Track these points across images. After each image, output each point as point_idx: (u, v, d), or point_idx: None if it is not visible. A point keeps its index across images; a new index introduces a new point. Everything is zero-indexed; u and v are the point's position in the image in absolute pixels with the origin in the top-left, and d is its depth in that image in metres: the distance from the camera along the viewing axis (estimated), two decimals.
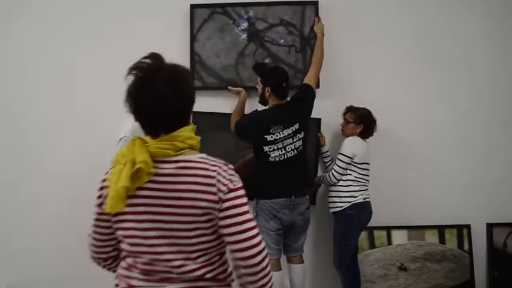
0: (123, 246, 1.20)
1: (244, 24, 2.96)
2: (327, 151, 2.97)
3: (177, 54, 2.90)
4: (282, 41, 2.96)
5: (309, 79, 2.73)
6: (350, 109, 2.82)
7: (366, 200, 2.74)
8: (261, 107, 2.75)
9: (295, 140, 2.57)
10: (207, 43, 2.96)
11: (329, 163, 2.95)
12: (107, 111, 2.90)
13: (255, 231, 1.14)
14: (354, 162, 2.71)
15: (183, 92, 1.16)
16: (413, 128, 3.03)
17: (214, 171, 1.13)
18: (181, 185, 1.11)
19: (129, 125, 2.34)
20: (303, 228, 2.68)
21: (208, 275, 1.15)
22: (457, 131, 3.03)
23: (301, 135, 2.60)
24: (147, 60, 1.14)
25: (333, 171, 2.73)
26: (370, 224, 2.81)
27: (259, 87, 2.68)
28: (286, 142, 2.55)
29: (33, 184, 3.01)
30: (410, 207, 2.99)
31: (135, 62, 1.14)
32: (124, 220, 1.16)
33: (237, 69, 2.97)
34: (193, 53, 2.94)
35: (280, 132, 2.55)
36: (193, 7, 2.95)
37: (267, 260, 1.15)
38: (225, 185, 1.12)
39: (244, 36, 2.96)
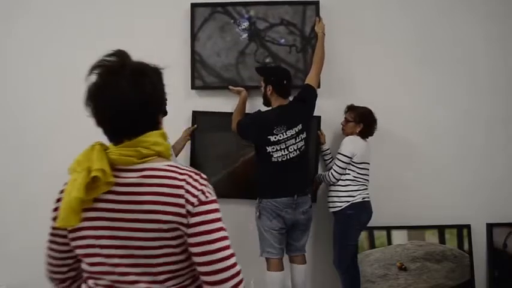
0: (83, 266, 1.06)
1: (245, 24, 2.96)
2: (327, 149, 2.97)
3: (178, 53, 2.96)
4: (282, 41, 2.96)
5: (310, 79, 2.74)
6: (350, 108, 2.81)
7: (365, 199, 2.74)
8: (263, 107, 2.75)
9: (297, 140, 2.58)
10: (207, 42, 2.96)
11: (329, 161, 2.95)
12: None
13: (230, 251, 0.99)
14: (353, 162, 2.71)
15: (148, 93, 1.03)
16: (413, 128, 3.03)
17: (183, 180, 0.99)
18: (145, 196, 0.98)
19: None
20: (306, 227, 2.69)
21: None
22: (457, 131, 3.03)
23: (304, 135, 2.61)
24: (110, 58, 1.03)
25: (332, 170, 2.73)
26: (370, 224, 2.81)
27: (262, 87, 2.69)
28: (289, 143, 2.56)
29: (33, 184, 3.01)
30: (410, 207, 2.99)
31: (96, 60, 1.04)
32: (82, 237, 1.02)
33: (238, 68, 2.96)
34: (193, 52, 2.94)
35: (284, 133, 2.55)
36: (193, 6, 2.95)
37: (242, 286, 0.99)
38: (194, 196, 0.98)
39: (244, 35, 2.96)
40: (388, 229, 2.95)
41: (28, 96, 3.03)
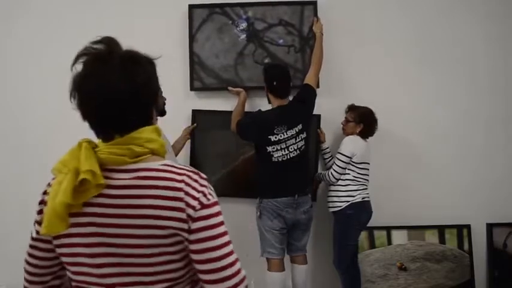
0: (69, 275, 0.97)
1: (243, 25, 2.96)
2: (327, 148, 2.97)
3: (176, 55, 2.96)
4: (281, 41, 2.96)
5: (309, 79, 2.74)
6: (351, 108, 2.81)
7: (365, 199, 2.74)
8: (263, 107, 2.75)
9: (298, 140, 2.59)
10: (206, 43, 2.96)
11: (329, 159, 2.95)
12: None
13: (234, 256, 0.92)
14: (353, 162, 2.71)
15: (140, 82, 0.93)
16: (413, 128, 3.03)
17: (181, 181, 0.90)
18: (140, 199, 0.88)
19: None
20: (306, 227, 2.69)
21: None
22: (457, 131, 3.03)
23: (304, 135, 2.62)
24: (97, 46, 0.93)
25: (332, 170, 2.73)
26: (370, 224, 2.81)
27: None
28: (289, 142, 2.57)
29: (33, 184, 2.99)
30: (410, 207, 2.99)
31: (82, 48, 0.94)
32: (68, 244, 0.93)
33: (237, 69, 2.96)
34: (192, 53, 2.94)
35: (284, 133, 2.56)
36: (191, 7, 2.94)
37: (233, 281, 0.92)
38: (195, 198, 0.89)
39: (243, 36, 2.96)
40: (388, 229, 2.95)
41: (28, 96, 3.04)
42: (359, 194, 2.71)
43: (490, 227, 3.01)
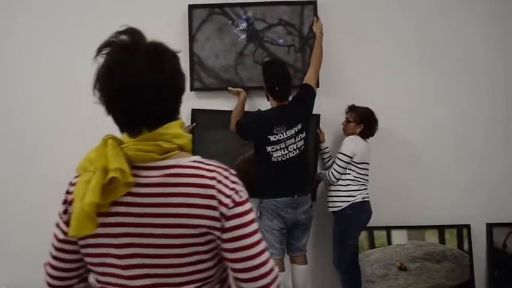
0: (95, 276, 0.94)
1: (243, 25, 2.96)
2: (327, 147, 2.97)
3: None
4: (281, 41, 2.96)
5: (308, 79, 2.74)
6: (351, 108, 2.81)
7: (365, 199, 2.74)
8: (263, 107, 2.75)
9: (297, 140, 2.59)
10: (206, 44, 2.96)
11: (328, 159, 2.95)
12: None
13: (266, 255, 0.90)
14: (354, 162, 2.71)
15: (169, 76, 0.91)
16: (413, 128, 3.03)
17: (213, 178, 0.88)
18: (171, 197, 0.86)
19: None
20: (306, 227, 2.69)
21: None
22: (457, 131, 3.03)
23: (303, 135, 2.62)
24: (121, 37, 0.89)
25: (332, 170, 2.73)
26: (370, 224, 2.81)
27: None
28: (288, 142, 2.57)
29: (33, 184, 3.01)
30: (410, 207, 2.99)
31: (106, 39, 0.90)
32: (95, 244, 0.90)
33: (237, 69, 2.96)
34: (192, 53, 2.94)
35: (284, 133, 2.56)
36: (191, 7, 2.94)
37: (269, 277, 0.91)
38: (228, 196, 0.87)
39: (243, 36, 2.96)
40: (388, 229, 2.95)
41: (28, 96, 3.03)
42: (359, 194, 2.71)
43: (490, 227, 3.01)
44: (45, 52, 3.03)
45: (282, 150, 2.57)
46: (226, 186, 0.88)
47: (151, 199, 0.87)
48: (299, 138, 2.60)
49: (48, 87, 3.03)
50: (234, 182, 0.90)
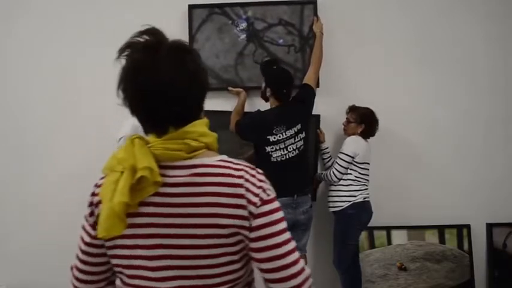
0: (124, 278, 0.92)
1: (243, 25, 2.96)
2: (327, 147, 2.97)
3: None
4: (281, 41, 2.96)
5: (308, 79, 2.74)
6: (352, 109, 2.81)
7: (366, 199, 2.74)
8: (262, 107, 2.75)
9: (296, 140, 2.58)
10: (206, 44, 2.96)
11: (328, 159, 2.95)
12: (107, 111, 2.90)
13: (296, 254, 0.88)
14: (355, 162, 2.71)
15: (193, 73, 0.90)
16: (413, 128, 3.03)
17: (241, 177, 0.88)
18: (200, 197, 0.85)
19: (128, 125, 2.33)
20: (306, 227, 2.68)
21: None
22: (457, 131, 3.03)
23: (303, 135, 2.62)
24: (144, 37, 0.89)
25: (334, 170, 2.73)
26: (370, 224, 2.81)
27: (263, 86, 2.69)
28: (288, 142, 2.57)
29: (33, 184, 3.01)
30: (410, 207, 2.99)
31: (127, 40, 0.90)
32: (122, 246, 0.89)
33: (237, 69, 2.96)
34: None
35: (283, 133, 2.56)
36: (191, 7, 2.94)
37: (300, 277, 0.88)
38: (256, 195, 0.87)
39: (243, 36, 2.96)
40: (388, 229, 2.94)
41: (28, 96, 3.04)
42: (360, 194, 2.71)
43: (490, 227, 3.01)
44: (45, 52, 3.03)
45: (282, 150, 2.57)
46: (253, 184, 0.88)
47: (179, 199, 0.86)
48: (298, 139, 2.59)
49: (48, 87, 3.03)
50: (261, 181, 0.90)
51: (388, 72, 3.01)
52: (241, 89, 2.87)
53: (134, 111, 0.89)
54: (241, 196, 0.85)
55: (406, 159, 3.03)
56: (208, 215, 0.84)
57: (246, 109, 2.85)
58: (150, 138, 0.90)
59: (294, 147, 2.58)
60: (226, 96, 2.94)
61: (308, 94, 2.69)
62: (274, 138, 2.56)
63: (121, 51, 0.89)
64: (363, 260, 2.88)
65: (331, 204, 2.78)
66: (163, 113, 0.87)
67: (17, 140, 3.04)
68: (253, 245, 0.86)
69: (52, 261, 2.97)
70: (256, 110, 2.78)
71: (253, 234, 0.85)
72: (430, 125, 3.03)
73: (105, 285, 0.97)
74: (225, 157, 0.93)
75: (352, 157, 2.70)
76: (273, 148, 2.56)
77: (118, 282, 0.96)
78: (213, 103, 2.96)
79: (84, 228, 0.95)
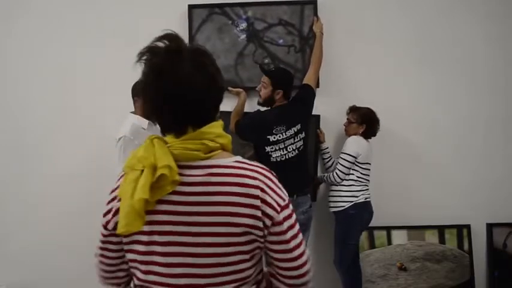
0: (135, 273, 0.96)
1: (243, 25, 2.96)
2: (327, 148, 2.97)
3: None
4: (281, 41, 2.96)
5: (308, 79, 2.74)
6: (352, 109, 2.81)
7: (367, 199, 2.74)
8: (262, 107, 2.75)
9: (296, 140, 2.58)
10: (206, 44, 2.94)
11: (328, 160, 2.95)
12: (107, 111, 2.91)
13: (306, 255, 0.97)
14: (357, 162, 2.71)
15: (212, 76, 0.94)
16: (413, 128, 3.03)
17: (256, 179, 0.92)
18: (215, 196, 0.89)
19: (128, 124, 2.33)
20: (306, 227, 2.68)
21: None
22: (457, 131, 3.03)
23: (303, 135, 2.62)
24: (164, 41, 0.92)
25: (337, 171, 2.73)
26: (370, 224, 2.81)
27: (266, 89, 2.64)
28: (287, 142, 2.57)
29: (33, 184, 3.01)
30: (410, 207, 2.99)
31: (147, 45, 0.93)
32: (139, 241, 0.93)
33: (237, 69, 2.96)
34: None
35: (284, 133, 2.56)
36: (191, 7, 2.94)
37: (311, 273, 0.98)
38: (272, 198, 0.92)
39: (243, 36, 2.96)
40: (388, 229, 2.94)
41: (28, 96, 3.04)
42: (362, 195, 2.71)
43: (490, 227, 3.01)
44: (45, 52, 3.03)
45: (281, 150, 2.57)
46: (270, 188, 0.93)
47: (195, 198, 0.89)
48: (298, 139, 2.59)
49: (48, 87, 3.03)
50: (276, 185, 0.95)
51: (388, 72, 3.01)
52: (241, 89, 2.87)
53: (155, 113, 0.94)
54: (255, 197, 0.89)
55: (406, 159, 3.03)
56: (223, 214, 0.88)
57: (246, 109, 2.85)
58: (168, 138, 0.94)
59: (294, 148, 2.58)
60: (226, 97, 2.90)
61: (308, 94, 2.69)
62: (274, 138, 2.56)
63: (141, 55, 0.92)
64: (363, 260, 2.88)
65: (332, 204, 2.78)
66: (184, 114, 0.91)
67: (17, 140, 3.04)
68: (270, 246, 0.93)
69: (52, 261, 2.98)
70: (256, 110, 2.78)
71: (271, 238, 0.92)
72: (430, 125, 3.03)
73: (123, 275, 1.04)
74: (240, 158, 0.97)
75: (355, 157, 2.70)
76: (272, 148, 2.56)
77: (134, 278, 0.99)
78: None
79: (102, 225, 1.00)
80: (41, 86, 3.04)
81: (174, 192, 0.89)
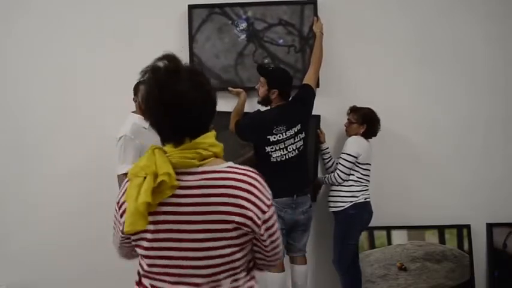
0: (142, 264, 1.11)
1: (243, 25, 2.96)
2: (327, 148, 2.97)
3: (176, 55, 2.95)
4: (281, 41, 2.96)
5: (308, 79, 2.74)
6: (353, 109, 2.81)
7: (367, 200, 2.74)
8: (262, 107, 2.75)
9: (296, 140, 2.58)
10: (206, 44, 2.95)
11: (328, 160, 2.95)
12: (107, 111, 2.91)
13: (281, 245, 1.20)
14: (358, 162, 2.71)
15: (207, 93, 1.07)
16: (413, 128, 3.03)
17: (243, 181, 1.04)
18: (209, 198, 1.02)
19: (129, 124, 2.34)
20: (306, 227, 2.69)
21: None
22: (457, 131, 3.03)
23: (303, 135, 2.62)
24: (164, 62, 1.04)
25: (338, 171, 2.72)
26: (370, 224, 2.81)
27: (263, 88, 2.66)
28: (288, 142, 2.57)
29: (33, 184, 3.01)
30: (410, 207, 2.99)
31: (148, 64, 1.04)
32: (145, 238, 1.06)
33: (237, 69, 2.96)
34: (192, 54, 2.93)
35: (284, 133, 2.56)
36: (191, 8, 2.94)
37: (281, 253, 1.20)
38: (258, 198, 1.05)
39: (243, 36, 2.95)
40: (388, 229, 2.95)
41: (28, 96, 3.04)
42: (362, 195, 2.71)
43: (490, 227, 3.01)
44: (45, 52, 3.03)
45: (281, 150, 2.57)
46: (258, 189, 1.05)
47: (192, 199, 1.02)
48: (298, 139, 2.59)
49: (48, 87, 3.03)
50: (263, 186, 1.07)
51: (388, 72, 3.01)
52: (241, 90, 2.87)
53: (155, 126, 1.06)
54: (243, 198, 1.02)
55: (406, 159, 3.03)
56: (216, 213, 1.01)
57: (246, 109, 2.85)
58: (167, 148, 1.06)
59: (294, 148, 2.58)
60: (226, 97, 2.93)
61: (308, 94, 2.69)
62: (274, 138, 2.56)
63: (143, 73, 1.04)
64: (363, 260, 2.88)
65: (332, 205, 2.78)
66: (183, 127, 1.04)
67: (17, 140, 3.04)
68: (261, 238, 1.08)
69: (52, 261, 2.98)
70: (256, 110, 2.78)
71: (261, 233, 1.07)
72: (430, 125, 3.03)
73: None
74: (231, 163, 1.09)
75: (356, 157, 2.70)
76: (272, 148, 2.56)
77: (140, 268, 1.14)
78: None
79: (119, 230, 1.15)
80: (41, 86, 3.04)
81: (173, 196, 1.02)
